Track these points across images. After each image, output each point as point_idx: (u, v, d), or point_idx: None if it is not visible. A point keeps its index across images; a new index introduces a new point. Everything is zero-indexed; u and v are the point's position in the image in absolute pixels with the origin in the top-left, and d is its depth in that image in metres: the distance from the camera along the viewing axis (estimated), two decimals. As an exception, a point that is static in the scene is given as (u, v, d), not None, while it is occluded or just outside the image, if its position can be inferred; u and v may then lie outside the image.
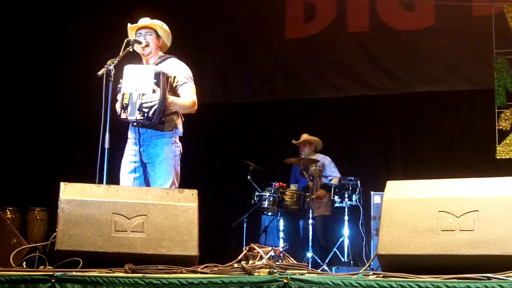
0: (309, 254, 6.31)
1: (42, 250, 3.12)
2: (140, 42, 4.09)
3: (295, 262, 3.18)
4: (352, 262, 6.42)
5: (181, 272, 2.61)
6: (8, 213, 6.84)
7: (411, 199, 2.65)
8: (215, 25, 8.17)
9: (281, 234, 6.61)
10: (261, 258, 3.00)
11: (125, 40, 4.04)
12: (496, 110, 7.06)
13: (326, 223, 7.05)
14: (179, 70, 4.14)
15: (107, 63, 3.78)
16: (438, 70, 7.33)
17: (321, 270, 5.50)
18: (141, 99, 3.82)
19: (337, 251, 6.52)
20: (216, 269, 2.70)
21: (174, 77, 4.08)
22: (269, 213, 6.72)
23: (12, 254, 3.07)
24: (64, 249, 2.74)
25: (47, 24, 8.03)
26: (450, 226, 2.52)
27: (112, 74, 3.77)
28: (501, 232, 2.44)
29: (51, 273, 2.37)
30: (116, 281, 2.35)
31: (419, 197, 2.64)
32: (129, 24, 4.17)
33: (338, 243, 6.54)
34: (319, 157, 7.19)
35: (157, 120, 3.87)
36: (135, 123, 3.99)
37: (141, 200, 2.91)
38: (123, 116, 3.86)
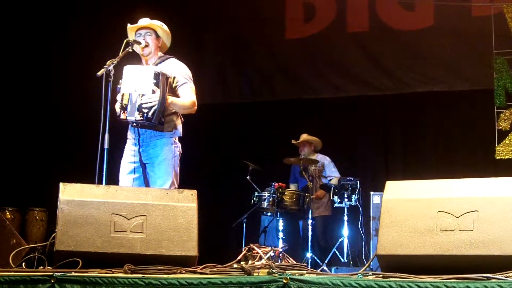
0: (309, 255, 6.31)
1: (41, 250, 3.12)
2: (139, 43, 4.09)
3: (295, 263, 3.18)
4: (351, 262, 6.41)
5: (180, 273, 2.61)
6: (8, 213, 6.84)
7: (411, 199, 2.65)
8: (215, 25, 8.17)
9: (281, 235, 6.61)
10: (261, 258, 3.01)
11: (125, 41, 4.04)
12: (496, 110, 7.06)
13: (326, 223, 7.05)
14: (179, 71, 4.14)
15: (107, 64, 3.78)
16: (438, 70, 7.33)
17: (320, 271, 5.50)
18: (141, 99, 3.81)
19: (337, 252, 6.52)
20: (215, 269, 2.70)
21: (174, 77, 4.08)
22: (269, 214, 6.72)
23: (12, 255, 3.07)
24: (64, 250, 2.74)
25: (47, 24, 8.03)
26: (450, 226, 2.52)
27: (111, 75, 3.77)
28: (500, 232, 2.44)
29: (51, 273, 2.37)
30: (115, 282, 2.35)
31: (419, 198, 2.64)
32: (128, 25, 4.17)
33: (338, 243, 6.54)
34: (319, 157, 7.19)
35: (157, 120, 3.87)
36: (134, 124, 3.99)
37: (141, 200, 2.91)
38: (122, 116, 3.86)
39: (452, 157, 7.19)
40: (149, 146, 4.06)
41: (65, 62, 7.90)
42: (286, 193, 6.60)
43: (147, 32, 4.15)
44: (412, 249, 2.54)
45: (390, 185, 2.75)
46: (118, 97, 3.92)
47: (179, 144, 4.19)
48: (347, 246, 6.49)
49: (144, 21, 4.19)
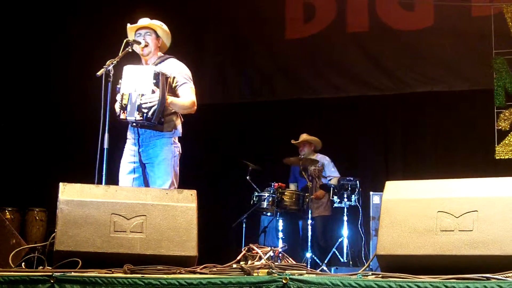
0: (308, 255, 6.31)
1: (41, 250, 3.12)
2: (139, 43, 4.09)
3: (294, 263, 3.18)
4: (351, 262, 6.41)
5: (180, 273, 2.61)
6: (7, 213, 6.84)
7: (410, 199, 2.65)
8: (215, 25, 8.17)
9: (280, 235, 6.61)
10: (260, 258, 3.01)
11: (124, 41, 4.04)
12: (496, 110, 7.07)
13: (325, 223, 7.05)
14: (179, 71, 4.14)
15: (106, 64, 3.78)
16: (438, 70, 7.33)
17: (320, 271, 5.50)
18: (141, 99, 3.81)
19: (336, 252, 6.52)
20: (215, 269, 2.70)
21: (174, 77, 4.08)
22: (268, 214, 6.72)
23: (11, 255, 3.07)
24: (63, 250, 2.74)
25: (47, 24, 8.03)
26: (449, 226, 2.52)
27: (111, 75, 3.77)
28: (500, 232, 2.44)
29: (50, 273, 2.37)
30: (115, 282, 2.35)
31: (418, 198, 2.64)
32: (128, 25, 4.17)
33: (337, 243, 6.54)
34: (318, 157, 7.19)
35: (156, 120, 3.87)
36: (134, 124, 3.99)
37: (140, 200, 2.91)
38: (122, 116, 3.86)
39: (452, 157, 7.19)
40: (148, 146, 4.06)
41: (65, 62, 7.90)
42: (285, 193, 6.60)
43: (147, 32, 4.15)
44: (412, 249, 2.54)
45: (389, 185, 2.75)
46: (118, 97, 3.92)
47: (179, 144, 4.19)
48: (347, 246, 6.49)
49: (144, 21, 4.20)
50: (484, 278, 2.17)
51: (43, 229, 7.09)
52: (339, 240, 6.55)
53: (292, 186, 7.25)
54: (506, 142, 6.99)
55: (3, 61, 7.68)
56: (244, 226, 6.61)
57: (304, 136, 7.25)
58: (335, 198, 6.67)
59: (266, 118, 7.89)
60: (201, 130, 6.99)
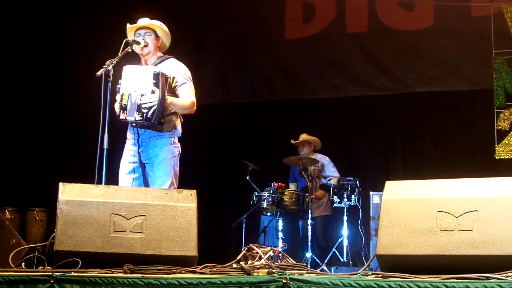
0: (308, 255, 6.31)
1: (41, 250, 3.12)
2: (139, 43, 4.09)
3: (294, 262, 3.18)
4: (351, 262, 6.41)
5: (180, 273, 2.61)
6: (7, 213, 6.84)
7: (410, 199, 2.65)
8: (215, 25, 8.17)
9: (280, 234, 6.61)
10: (260, 258, 3.00)
11: (124, 41, 4.04)
12: (495, 110, 7.07)
13: (325, 223, 7.06)
14: (178, 71, 4.14)
15: (106, 64, 3.78)
16: (438, 70, 7.33)
17: (320, 270, 5.50)
18: (140, 99, 3.81)
19: (336, 252, 6.52)
20: (215, 269, 2.70)
21: (173, 77, 4.08)
22: (268, 214, 6.72)
23: (11, 255, 3.07)
24: (63, 250, 2.74)
25: (47, 24, 8.03)
26: (449, 226, 2.52)
27: (111, 75, 3.77)
28: (500, 232, 2.44)
29: (50, 273, 2.37)
30: (115, 282, 2.35)
31: (418, 197, 2.64)
32: (128, 25, 4.17)
33: (337, 243, 6.54)
34: (318, 157, 7.19)
35: (156, 120, 3.86)
36: (134, 124, 3.99)
37: (140, 200, 2.91)
38: (122, 116, 3.86)
39: (452, 157, 7.19)
40: (148, 146, 4.06)
41: (65, 62, 7.91)
42: (285, 193, 6.60)
43: (147, 32, 4.14)
44: (412, 249, 2.54)
45: (389, 185, 2.75)
46: (118, 97, 3.92)
47: (179, 144, 4.19)
48: (347, 246, 6.49)
49: (143, 21, 4.19)
50: (484, 278, 2.17)
51: (43, 229, 7.09)
52: (339, 240, 6.56)
53: (292, 186, 7.25)
54: (506, 142, 6.99)
55: (3, 61, 7.68)
56: (244, 226, 6.61)
57: (303, 136, 7.25)
58: (335, 198, 6.67)
59: (266, 118, 7.89)
60: (201, 130, 6.99)
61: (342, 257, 6.49)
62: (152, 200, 2.92)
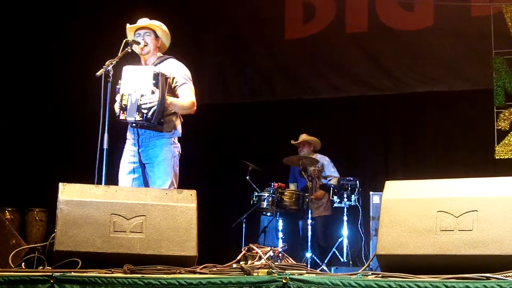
0: (308, 255, 6.30)
1: (41, 250, 3.12)
2: (138, 43, 4.09)
3: (294, 262, 3.18)
4: (351, 262, 6.41)
5: (180, 273, 2.61)
6: (7, 213, 6.84)
7: (410, 199, 2.65)
8: (214, 25, 8.17)
9: (280, 235, 6.61)
10: (260, 258, 3.00)
11: (124, 41, 4.04)
12: (495, 110, 7.07)
13: (325, 223, 7.06)
14: (178, 71, 4.14)
15: (106, 64, 3.78)
16: (438, 70, 7.33)
17: (320, 270, 5.50)
18: (140, 100, 3.81)
19: (336, 251, 6.52)
20: (215, 269, 2.70)
21: (173, 78, 4.08)
22: (268, 214, 6.72)
23: (11, 255, 3.07)
24: (63, 250, 2.74)
25: (47, 24, 8.03)
26: (449, 226, 2.52)
27: (110, 75, 3.77)
28: (500, 232, 2.44)
29: (50, 273, 2.37)
30: (115, 282, 2.35)
31: (418, 197, 2.64)
32: (127, 25, 4.17)
33: (337, 243, 6.54)
34: (318, 157, 7.19)
35: (156, 121, 3.86)
36: (134, 124, 3.99)
37: (140, 200, 2.91)
38: (122, 117, 3.86)
39: (452, 157, 7.19)
40: (148, 146, 4.06)
41: (65, 62, 7.91)
42: (285, 193, 6.59)
43: (146, 32, 4.14)
44: (412, 249, 2.54)
45: (389, 185, 2.75)
46: (117, 98, 3.92)
47: (179, 145, 4.19)
48: (347, 246, 6.49)
49: (143, 21, 4.19)
50: (484, 278, 2.17)
51: (43, 229, 7.09)
52: (339, 240, 6.56)
53: (292, 186, 7.25)
54: (506, 142, 6.99)
55: (3, 61, 7.68)
56: (244, 226, 6.61)
57: (303, 137, 7.25)
58: (335, 198, 6.67)
59: (266, 118, 7.89)
60: (201, 130, 6.99)
61: (342, 257, 6.49)
62: (152, 200, 2.92)
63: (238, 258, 3.04)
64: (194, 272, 2.63)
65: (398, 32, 7.52)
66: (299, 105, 7.91)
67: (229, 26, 8.10)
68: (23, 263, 3.03)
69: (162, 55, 4.25)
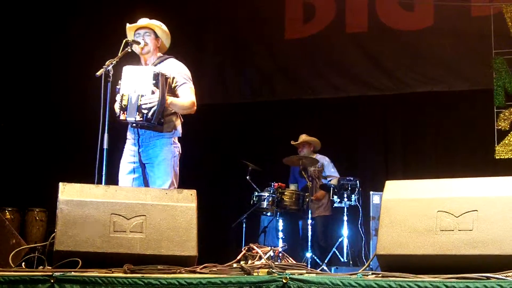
0: (308, 254, 6.30)
1: (41, 250, 3.12)
2: (138, 43, 4.09)
3: (294, 262, 3.18)
4: (351, 262, 6.41)
5: (180, 272, 2.61)
6: (7, 213, 6.84)
7: (410, 199, 2.65)
8: (214, 25, 8.17)
9: (280, 234, 6.61)
10: (260, 258, 3.00)
11: (124, 41, 4.04)
12: (495, 110, 7.07)
13: (326, 223, 7.06)
14: (178, 71, 4.14)
15: (106, 64, 3.77)
16: (438, 70, 7.33)
17: (320, 270, 5.50)
18: (140, 100, 3.81)
19: (336, 251, 6.52)
20: (215, 269, 2.70)
21: (173, 77, 4.08)
22: (268, 213, 6.72)
23: (11, 255, 3.07)
24: (63, 250, 2.74)
25: (47, 24, 8.03)
26: (449, 226, 2.52)
27: (110, 75, 3.77)
28: (500, 232, 2.44)
29: (50, 273, 2.37)
30: (115, 282, 2.35)
31: (418, 197, 2.64)
32: (127, 24, 4.17)
33: (337, 243, 6.54)
34: (318, 157, 7.19)
35: (156, 121, 3.87)
36: (134, 124, 3.99)
37: (140, 200, 2.91)
38: (122, 117, 3.86)
39: (452, 157, 7.19)
40: (148, 146, 4.06)
41: (65, 62, 7.91)
42: (285, 193, 6.59)
43: (146, 32, 4.14)
44: (412, 249, 2.54)
45: (389, 184, 2.75)
46: (117, 98, 3.92)
47: (179, 144, 4.19)
48: (347, 246, 6.49)
49: (143, 21, 4.19)
50: (484, 278, 2.17)
51: (43, 229, 7.09)
52: (339, 240, 6.55)
53: (292, 187, 7.23)
54: (506, 142, 6.99)
55: (3, 61, 7.68)
56: (244, 226, 6.61)
57: (303, 137, 7.25)
58: (335, 198, 6.67)
59: (266, 118, 7.89)
60: (201, 130, 6.99)
61: (342, 257, 6.49)
62: (152, 200, 2.92)
63: (238, 258, 3.04)
64: (194, 272, 2.63)
65: (398, 32, 7.52)
66: (299, 105, 7.91)
67: (229, 26, 8.10)
68: (23, 263, 3.03)
69: (162, 55, 4.25)
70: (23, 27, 7.92)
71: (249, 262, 3.01)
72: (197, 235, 2.92)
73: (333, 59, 7.79)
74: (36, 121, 7.94)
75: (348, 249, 6.49)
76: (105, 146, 3.71)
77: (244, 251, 3.09)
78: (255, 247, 3.08)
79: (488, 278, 2.17)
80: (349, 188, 6.59)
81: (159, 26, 4.20)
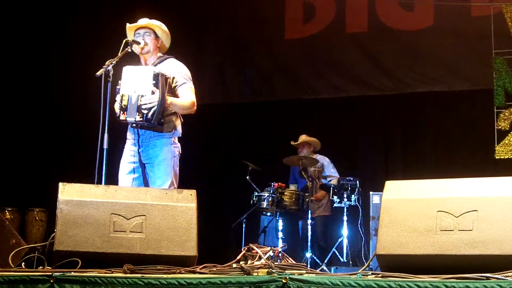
0: (308, 254, 6.30)
1: (41, 250, 3.12)
2: (138, 43, 4.09)
3: (294, 262, 3.18)
4: (351, 262, 6.41)
5: (180, 273, 2.61)
6: (7, 213, 6.84)
7: (410, 199, 2.65)
8: (214, 26, 8.17)
9: (280, 234, 6.61)
10: (260, 258, 3.00)
11: (124, 41, 4.04)
12: (495, 110, 7.07)
13: (325, 223, 7.06)
14: (178, 71, 4.14)
15: (106, 64, 3.78)
16: (438, 70, 7.33)
17: (320, 270, 5.50)
18: (140, 100, 3.81)
19: (336, 251, 6.52)
20: (215, 269, 2.70)
21: (173, 77, 4.08)
22: (268, 213, 6.72)
23: (11, 255, 3.07)
24: (63, 250, 2.74)
25: (47, 24, 8.03)
26: (449, 226, 2.52)
27: (110, 75, 3.77)
28: (500, 232, 2.44)
29: (50, 273, 2.37)
30: (114, 282, 2.35)
31: (418, 197, 2.64)
32: (127, 24, 4.16)
33: (337, 243, 6.54)
34: (318, 157, 7.19)
35: (156, 121, 3.87)
36: (134, 125, 3.99)
37: (140, 200, 2.91)
38: (122, 117, 3.86)
39: (452, 157, 7.19)
40: (148, 146, 4.06)
41: (65, 62, 7.90)
42: (285, 193, 6.59)
43: (146, 32, 4.14)
44: (412, 249, 2.54)
45: (389, 185, 2.75)
46: (117, 98, 3.92)
47: (179, 144, 4.19)
48: (347, 246, 6.49)
49: (143, 21, 4.19)
50: (484, 278, 2.17)
51: (43, 229, 7.09)
52: (339, 240, 6.56)
53: (292, 187, 7.23)
54: (506, 142, 6.99)
55: (3, 61, 7.68)
56: (244, 226, 6.61)
57: (303, 137, 7.25)
58: (335, 198, 6.67)
59: (266, 118, 7.89)
60: (201, 130, 6.99)
61: (342, 257, 6.49)
62: (152, 200, 2.92)
63: (238, 258, 3.04)
64: (194, 272, 2.63)
65: (398, 32, 7.51)
66: (299, 105, 7.91)
67: (229, 26, 8.10)
68: (23, 263, 3.03)
69: (162, 55, 4.25)
70: (23, 27, 7.92)
71: (249, 262, 3.01)
72: (197, 235, 2.92)
73: (333, 59, 7.79)
74: (36, 121, 7.94)
75: (348, 249, 6.49)
76: (105, 146, 3.72)
77: (244, 251, 3.09)
78: (254, 247, 3.08)
79: (488, 278, 2.17)
80: (349, 188, 6.59)
81: (159, 26, 4.19)
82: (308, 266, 5.82)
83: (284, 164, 7.11)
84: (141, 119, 3.82)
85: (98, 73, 3.73)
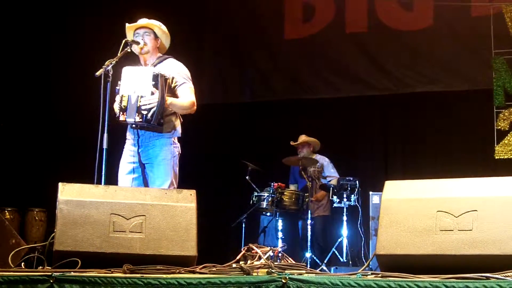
0: (308, 254, 6.31)
1: (40, 250, 3.12)
2: (138, 43, 4.08)
3: (294, 262, 3.18)
4: (350, 262, 6.42)
5: (179, 272, 2.61)
6: (7, 213, 6.84)
7: (410, 199, 2.65)
8: (214, 26, 8.17)
9: (280, 234, 6.61)
10: (260, 258, 3.00)
11: (123, 41, 4.04)
12: (495, 110, 7.07)
13: (325, 223, 7.06)
14: (178, 71, 4.14)
15: (105, 64, 3.78)
16: (437, 70, 7.34)
17: (319, 270, 5.50)
18: (140, 101, 3.81)
19: (336, 251, 6.52)
20: (214, 269, 2.70)
21: (173, 78, 4.08)
22: (268, 213, 6.72)
23: (11, 255, 3.06)
24: (63, 250, 2.74)
25: (47, 24, 8.03)
26: (449, 226, 2.52)
27: (110, 75, 3.77)
28: (499, 232, 2.44)
29: (50, 273, 2.36)
30: (114, 282, 2.35)
31: (418, 197, 2.64)
32: (127, 24, 4.16)
33: (337, 243, 6.54)
34: (317, 157, 7.19)
35: (156, 122, 3.87)
36: (133, 125, 3.99)
37: (140, 200, 2.91)
38: (121, 118, 3.86)
39: (451, 157, 7.19)
40: (148, 146, 4.06)
41: (65, 62, 7.90)
42: (285, 193, 6.59)
43: (146, 32, 4.14)
44: (411, 249, 2.54)
45: (389, 184, 2.75)
46: (117, 99, 3.92)
47: (178, 144, 4.19)
48: (346, 246, 6.49)
49: (142, 21, 4.19)
50: (484, 278, 2.17)
51: (42, 229, 7.09)
52: (339, 240, 6.56)
53: (292, 187, 7.25)
54: (506, 142, 6.99)
55: (3, 61, 7.68)
56: (243, 226, 6.61)
57: (303, 137, 7.25)
58: (335, 198, 6.67)
59: (266, 118, 7.89)
60: (201, 130, 6.99)
61: (342, 257, 6.49)
62: (152, 200, 2.92)
63: (237, 258, 3.04)
64: (194, 272, 2.63)
65: (397, 32, 7.52)
66: (299, 105, 7.91)
67: (229, 26, 8.10)
68: (22, 263, 3.03)
69: (161, 55, 4.25)
70: (23, 27, 7.92)
71: (249, 262, 3.01)
72: (197, 235, 2.92)
73: (333, 59, 7.78)
74: (36, 121, 7.94)
75: (348, 249, 6.49)
76: (105, 146, 3.72)
77: (243, 251, 3.09)
78: (254, 247, 3.08)
79: (487, 278, 2.17)
80: (349, 188, 6.59)
81: (159, 26, 4.19)
82: (308, 266, 5.82)
83: (284, 164, 7.11)
84: (141, 119, 3.83)
85: (98, 73, 3.73)
